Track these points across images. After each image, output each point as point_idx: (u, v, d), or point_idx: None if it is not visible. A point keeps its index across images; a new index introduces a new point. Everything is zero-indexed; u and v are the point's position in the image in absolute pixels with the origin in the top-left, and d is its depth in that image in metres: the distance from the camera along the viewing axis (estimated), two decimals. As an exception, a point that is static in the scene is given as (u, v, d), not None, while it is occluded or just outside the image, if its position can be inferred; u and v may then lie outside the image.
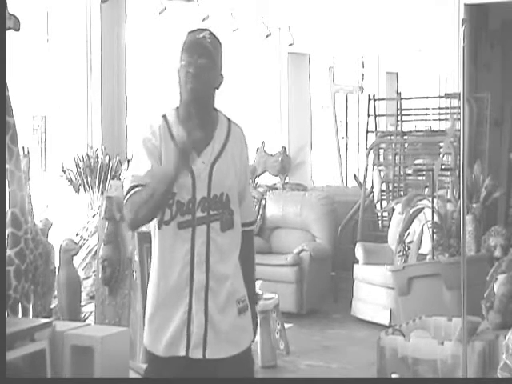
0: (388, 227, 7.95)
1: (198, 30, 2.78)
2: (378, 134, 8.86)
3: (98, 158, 7.25)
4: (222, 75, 2.79)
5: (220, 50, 2.78)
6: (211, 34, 2.75)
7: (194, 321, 2.73)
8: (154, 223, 2.78)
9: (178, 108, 2.81)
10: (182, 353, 2.74)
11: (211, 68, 2.73)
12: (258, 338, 5.81)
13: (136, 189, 2.69)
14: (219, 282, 2.75)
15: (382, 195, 8.74)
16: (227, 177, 2.77)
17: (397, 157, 8.64)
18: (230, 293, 2.79)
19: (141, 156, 2.74)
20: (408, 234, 6.94)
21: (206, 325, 2.73)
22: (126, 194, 2.71)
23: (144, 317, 2.91)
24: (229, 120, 2.84)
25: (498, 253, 6.30)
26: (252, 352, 2.98)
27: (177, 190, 2.70)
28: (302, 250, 7.54)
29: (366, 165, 8.60)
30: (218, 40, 2.77)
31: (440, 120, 8.82)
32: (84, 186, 7.19)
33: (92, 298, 5.86)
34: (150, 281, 2.83)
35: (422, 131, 8.88)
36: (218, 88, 2.79)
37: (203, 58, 2.71)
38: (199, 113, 2.76)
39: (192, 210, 2.72)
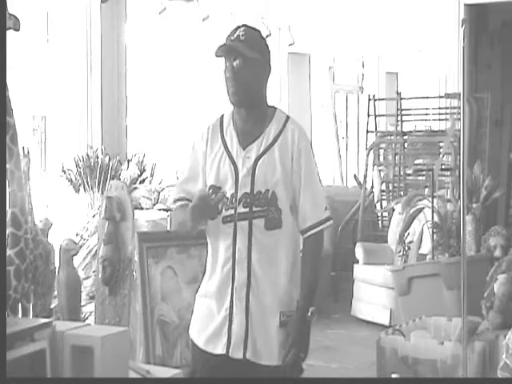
0: (388, 227, 7.95)
1: (235, 29, 2.76)
2: (378, 134, 8.86)
3: (97, 158, 7.25)
4: (269, 66, 2.77)
5: (258, 43, 2.75)
6: (247, 29, 2.73)
7: (234, 320, 2.72)
8: None
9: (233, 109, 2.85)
10: (222, 351, 2.74)
11: (248, 66, 2.71)
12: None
13: (178, 203, 2.83)
14: (262, 284, 2.72)
15: (382, 195, 8.75)
16: (273, 174, 2.72)
17: (397, 157, 8.65)
18: (273, 299, 2.74)
19: (187, 162, 2.87)
20: (408, 233, 6.94)
21: (247, 325, 2.71)
22: (173, 202, 2.87)
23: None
24: (287, 118, 2.81)
25: (498, 253, 6.30)
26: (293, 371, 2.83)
27: (221, 184, 2.74)
28: (302, 250, 7.53)
29: (366, 165, 8.60)
30: (257, 32, 2.75)
31: (440, 120, 8.82)
32: (84, 185, 7.19)
33: (92, 298, 5.86)
34: (205, 273, 2.87)
35: (422, 131, 8.88)
36: (266, 79, 2.78)
37: (237, 60, 2.70)
38: (249, 111, 2.76)
39: (234, 205, 2.72)
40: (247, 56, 2.70)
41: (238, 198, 2.72)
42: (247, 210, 2.71)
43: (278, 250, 2.74)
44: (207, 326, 2.78)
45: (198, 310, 2.86)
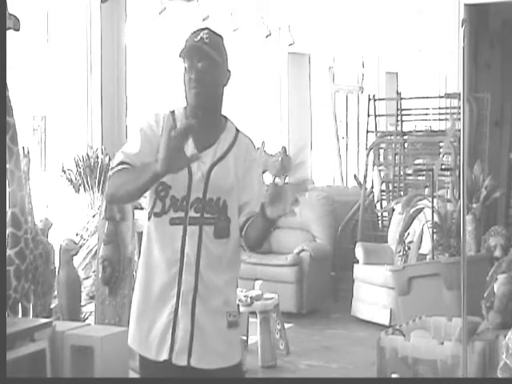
0: (388, 227, 7.96)
1: (197, 31, 2.73)
2: (378, 134, 8.87)
3: (97, 158, 7.25)
4: (228, 71, 2.75)
5: (221, 46, 2.74)
6: (210, 32, 2.71)
7: (179, 324, 2.65)
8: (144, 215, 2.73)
9: (185, 108, 2.78)
10: (165, 356, 2.66)
11: (213, 69, 2.69)
12: (258, 337, 5.81)
13: (124, 165, 2.64)
14: (209, 290, 2.67)
15: (382, 195, 8.75)
16: (226, 182, 2.69)
17: (397, 157, 8.65)
18: (220, 303, 2.70)
19: (137, 137, 2.69)
20: (408, 233, 6.94)
21: (193, 330, 2.65)
22: (113, 168, 2.66)
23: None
24: (237, 129, 2.79)
25: (497, 253, 6.30)
26: (242, 369, 2.86)
27: (172, 184, 2.66)
28: (302, 250, 7.54)
29: (366, 165, 8.61)
30: (219, 37, 2.74)
31: (440, 120, 8.82)
32: (84, 185, 7.18)
33: (92, 298, 5.86)
34: (137, 278, 2.77)
35: (422, 131, 8.89)
36: (225, 85, 2.75)
37: (202, 61, 2.67)
38: (206, 114, 2.72)
39: (185, 208, 2.65)
40: (212, 58, 2.68)
41: (190, 202, 2.66)
42: (198, 215, 2.66)
43: (225, 259, 2.71)
44: (149, 331, 2.70)
45: (139, 320, 2.75)
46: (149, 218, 2.72)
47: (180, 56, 2.71)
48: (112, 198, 2.72)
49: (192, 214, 2.66)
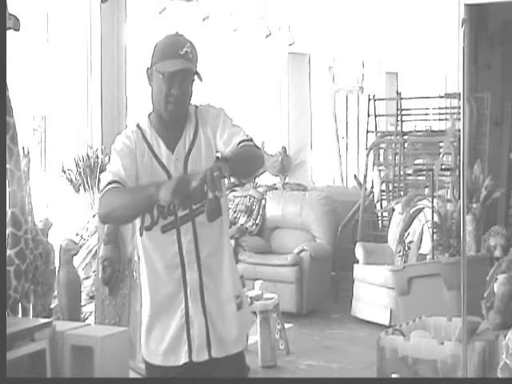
0: (388, 227, 7.96)
1: (178, 40, 2.70)
2: (378, 134, 8.87)
3: (97, 158, 7.25)
4: (193, 80, 2.73)
5: (197, 59, 2.73)
6: (191, 45, 2.69)
7: (193, 323, 2.68)
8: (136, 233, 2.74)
9: (150, 114, 2.78)
10: (184, 360, 2.69)
11: (191, 84, 2.69)
12: (258, 337, 5.81)
13: (114, 184, 2.61)
14: (213, 278, 2.70)
15: (382, 195, 8.75)
16: (205, 164, 2.65)
17: (397, 157, 8.65)
18: (227, 287, 2.73)
19: (115, 156, 2.69)
20: (408, 234, 6.94)
21: (207, 324, 2.68)
22: (104, 188, 2.63)
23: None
24: (196, 107, 2.78)
25: (498, 253, 6.30)
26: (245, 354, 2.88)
27: None
28: (302, 250, 7.54)
29: (366, 165, 8.61)
30: (195, 48, 2.72)
31: (440, 120, 8.82)
32: (84, 185, 7.18)
33: (92, 297, 5.86)
34: (142, 293, 2.78)
35: (422, 131, 8.88)
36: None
37: (186, 80, 2.66)
38: (172, 121, 2.72)
39: (173, 211, 2.65)
40: (193, 74, 2.67)
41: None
42: (187, 211, 2.66)
43: (220, 237, 2.73)
44: (161, 340, 2.71)
45: (149, 333, 2.75)
46: (141, 234, 2.74)
47: (158, 62, 2.66)
48: (107, 217, 2.64)
49: (181, 213, 2.66)
